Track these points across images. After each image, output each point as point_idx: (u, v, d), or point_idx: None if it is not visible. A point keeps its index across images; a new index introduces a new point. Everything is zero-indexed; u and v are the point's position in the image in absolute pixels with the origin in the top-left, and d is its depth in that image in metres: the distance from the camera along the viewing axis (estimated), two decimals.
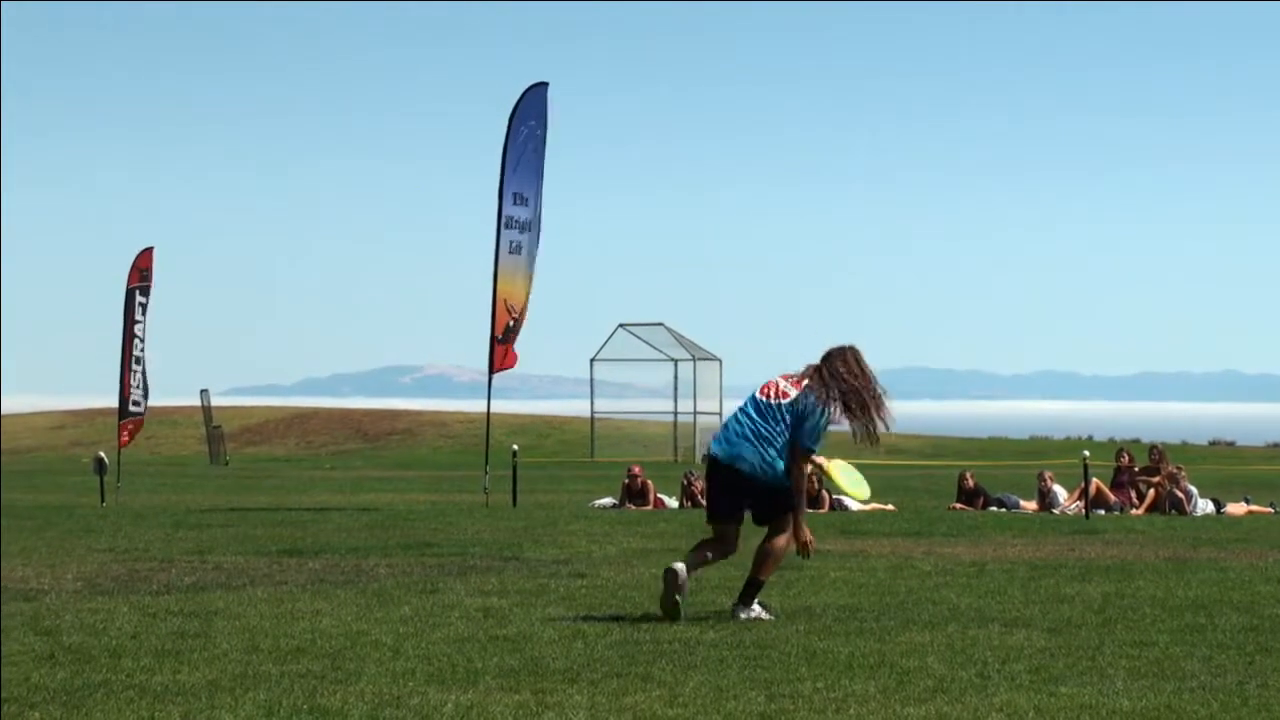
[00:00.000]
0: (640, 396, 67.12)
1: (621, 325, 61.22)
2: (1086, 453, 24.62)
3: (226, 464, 59.72)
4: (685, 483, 27.37)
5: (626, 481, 27.29)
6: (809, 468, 11.93)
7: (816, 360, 11.56)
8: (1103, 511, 24.73)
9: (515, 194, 25.78)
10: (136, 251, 30.76)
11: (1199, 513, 24.98)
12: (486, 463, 27.42)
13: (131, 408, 30.57)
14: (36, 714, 7.96)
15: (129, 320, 30.29)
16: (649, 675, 8.95)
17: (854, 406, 11.40)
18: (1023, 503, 26.19)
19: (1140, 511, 25.15)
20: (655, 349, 61.15)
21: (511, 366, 25.82)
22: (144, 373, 30.42)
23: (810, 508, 24.98)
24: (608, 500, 27.43)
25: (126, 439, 30.98)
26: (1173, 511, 25.06)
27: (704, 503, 26.74)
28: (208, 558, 16.35)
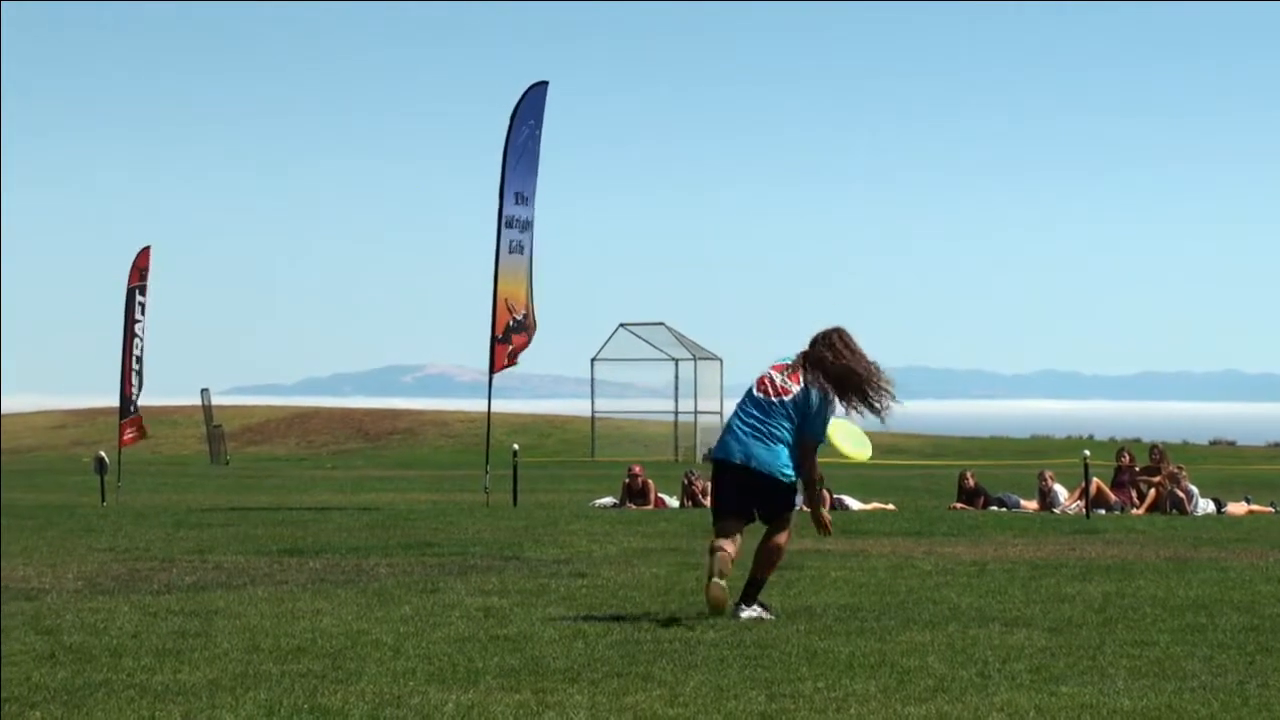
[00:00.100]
0: (641, 396, 67.15)
1: (622, 325, 61.25)
2: (1087, 452, 24.61)
3: (227, 463, 59.73)
4: (686, 482, 27.38)
5: (627, 481, 27.28)
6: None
7: (806, 346, 11.55)
8: (1103, 511, 24.73)
9: (517, 193, 25.79)
10: (136, 251, 30.77)
11: (1200, 512, 24.98)
12: (487, 462, 27.42)
13: (132, 407, 30.58)
14: (37, 713, 7.96)
15: (129, 319, 30.30)
16: (650, 675, 8.95)
17: (849, 390, 11.39)
18: (1023, 502, 26.19)
19: (1141, 511, 25.15)
20: (656, 348, 61.16)
21: (525, 346, 25.76)
22: (141, 371, 30.42)
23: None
24: (608, 500, 27.43)
25: (132, 437, 30.97)
26: (1173, 511, 25.06)
27: (705, 502, 26.78)
28: (208, 557, 16.35)
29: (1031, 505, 25.88)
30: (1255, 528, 21.87)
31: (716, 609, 11.09)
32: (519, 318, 25.65)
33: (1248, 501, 26.42)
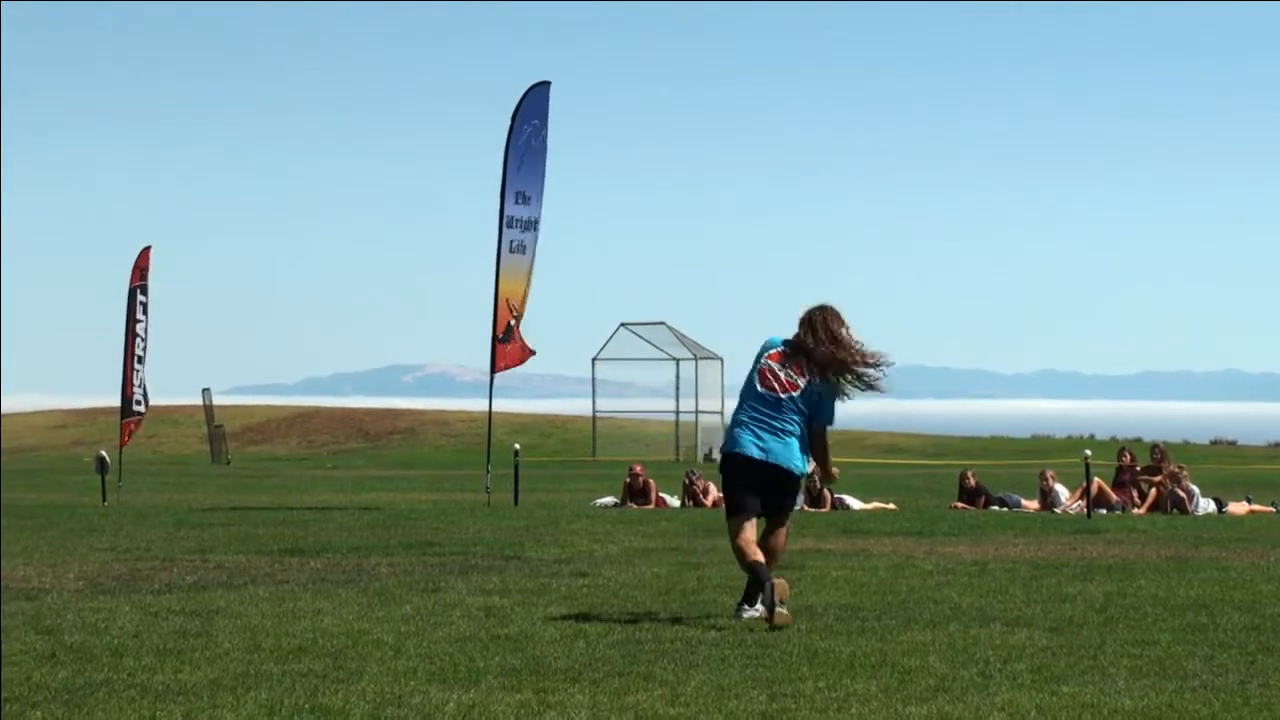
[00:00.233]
0: (642, 395, 67.15)
1: (623, 324, 61.24)
2: (1088, 452, 24.62)
3: (228, 463, 59.73)
4: (687, 482, 27.37)
5: (628, 480, 27.28)
6: None
7: (797, 326, 11.54)
8: (1104, 511, 24.73)
9: (518, 193, 25.77)
10: (137, 251, 30.75)
11: (1201, 512, 24.98)
12: (488, 462, 27.41)
13: (134, 407, 30.57)
14: (38, 713, 7.96)
15: (130, 319, 30.30)
16: (651, 674, 8.94)
17: (839, 376, 11.40)
18: (1024, 502, 26.19)
19: (1142, 511, 25.15)
20: (657, 348, 61.15)
21: (522, 362, 25.76)
22: (144, 372, 30.41)
23: (812, 506, 25.03)
24: (609, 499, 27.43)
25: (131, 434, 30.95)
26: (1174, 511, 25.06)
27: (706, 502, 26.73)
28: (209, 557, 16.35)
29: (1032, 505, 25.88)
30: (1256, 527, 21.87)
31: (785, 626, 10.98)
32: (519, 317, 25.64)
33: (1249, 501, 26.42)
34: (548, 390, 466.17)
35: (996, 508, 25.90)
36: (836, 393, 11.48)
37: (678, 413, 60.50)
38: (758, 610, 11.31)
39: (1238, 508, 25.57)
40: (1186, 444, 62.34)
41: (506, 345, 25.51)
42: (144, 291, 30.40)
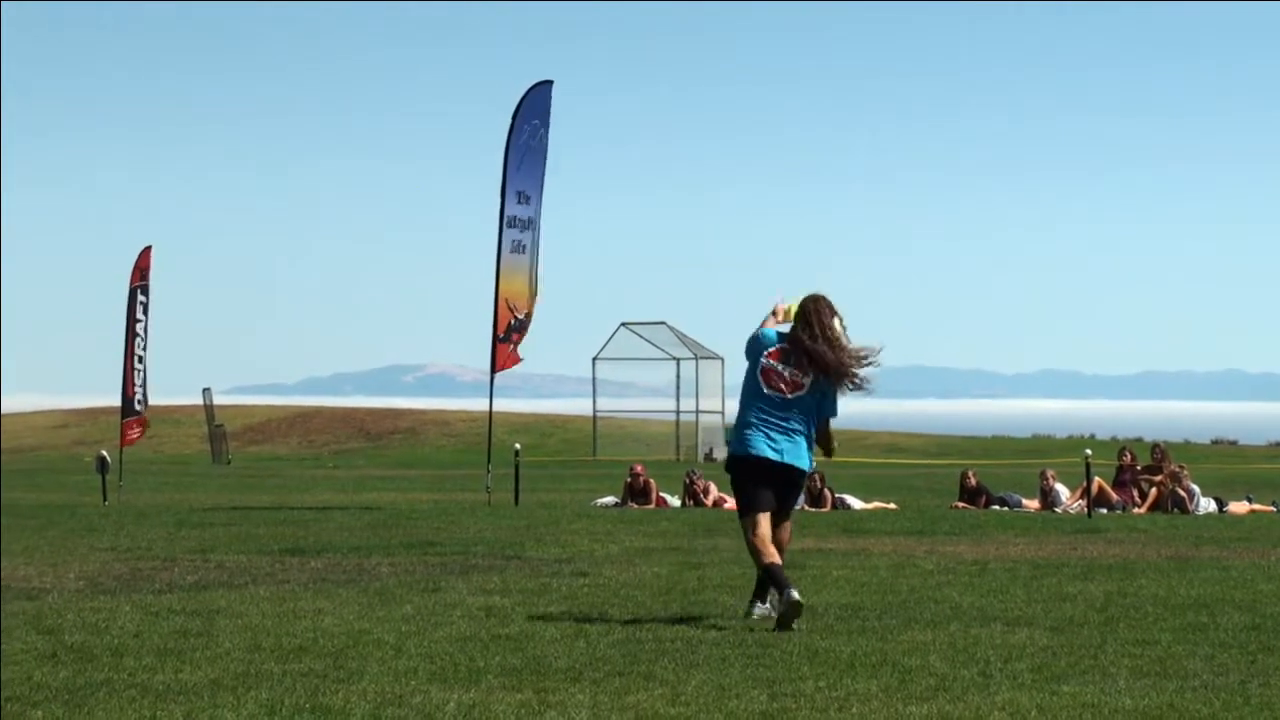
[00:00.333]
0: (642, 395, 67.13)
1: (624, 324, 61.22)
2: (1089, 451, 24.63)
3: (229, 463, 59.73)
4: (688, 481, 27.37)
5: (629, 480, 27.28)
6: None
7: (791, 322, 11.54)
8: (1105, 510, 24.73)
9: (519, 192, 25.77)
10: (138, 251, 30.76)
11: (1201, 511, 24.99)
12: (489, 462, 27.41)
13: (135, 406, 30.57)
14: (39, 713, 7.96)
15: (131, 319, 30.30)
16: (651, 674, 8.95)
17: (826, 373, 11.40)
18: (1025, 501, 26.19)
19: (1142, 510, 25.15)
20: (657, 348, 61.14)
21: (512, 366, 25.78)
22: (145, 371, 30.41)
23: (813, 506, 25.04)
24: (610, 499, 27.43)
25: (136, 435, 30.95)
26: (1175, 510, 25.06)
27: (706, 502, 26.71)
28: (210, 556, 16.35)
29: (1033, 504, 25.88)
30: (1257, 527, 21.88)
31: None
32: (520, 317, 25.64)
33: (1249, 501, 26.43)
34: (548, 390, 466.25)
35: (997, 507, 25.90)
36: (838, 387, 11.53)
37: (678, 412, 60.48)
38: (768, 608, 11.30)
39: (1238, 507, 25.57)
40: (1187, 443, 62.32)
41: (507, 345, 25.52)
42: (144, 291, 30.40)
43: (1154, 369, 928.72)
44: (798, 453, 11.38)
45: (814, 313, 11.44)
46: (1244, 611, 11.81)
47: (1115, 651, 9.83)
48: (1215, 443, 68.87)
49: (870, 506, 25.92)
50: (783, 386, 11.35)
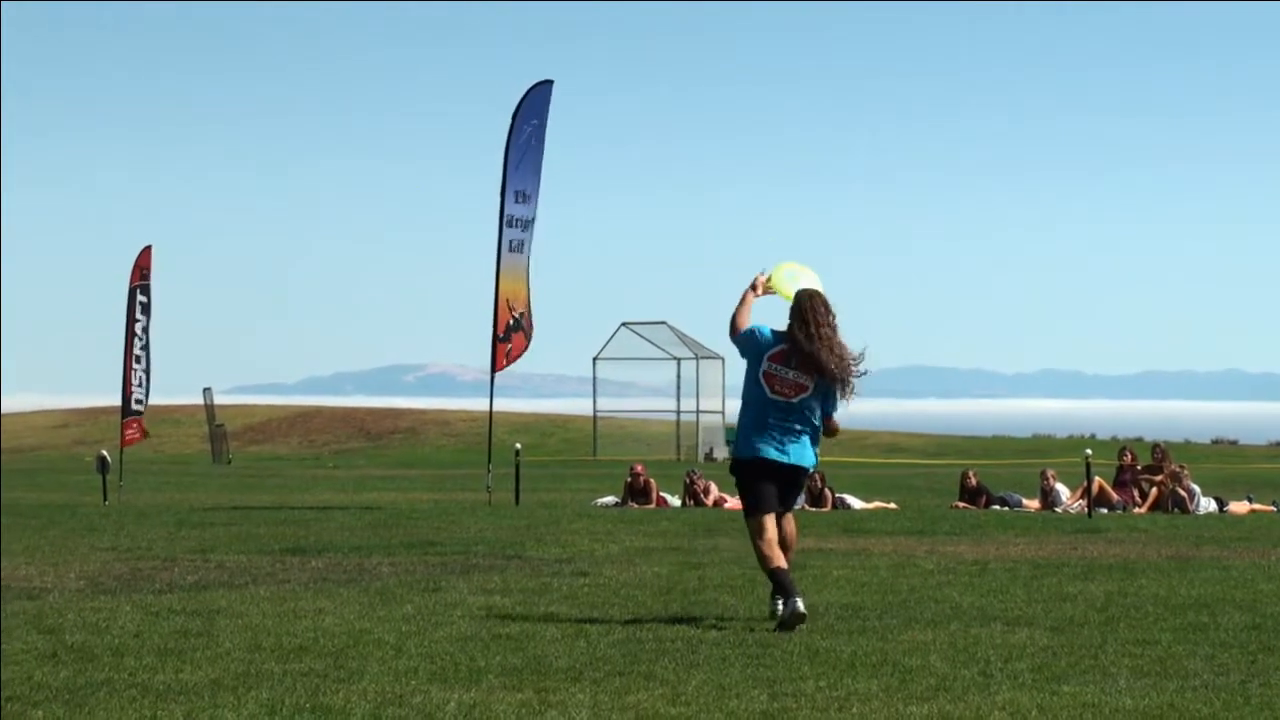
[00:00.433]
0: (643, 395, 67.17)
1: (624, 324, 61.24)
2: (1089, 451, 24.62)
3: (229, 463, 59.74)
4: (688, 481, 27.37)
5: (629, 480, 27.29)
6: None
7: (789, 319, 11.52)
8: (1105, 510, 24.73)
9: (518, 192, 25.77)
10: (137, 250, 30.76)
11: (1202, 511, 24.98)
12: (489, 461, 27.41)
13: (134, 405, 30.57)
14: (39, 712, 7.96)
15: (131, 319, 30.30)
16: (652, 674, 8.95)
17: (823, 377, 11.40)
18: (1025, 501, 26.19)
19: (1143, 510, 25.15)
20: (658, 347, 61.15)
21: (521, 353, 25.75)
22: (145, 371, 30.41)
23: (813, 506, 25.05)
24: (610, 499, 27.44)
25: (134, 436, 30.95)
26: (1175, 510, 25.06)
27: (707, 501, 26.68)
28: (210, 556, 16.36)
29: (1033, 504, 25.88)
30: (1257, 527, 21.88)
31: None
32: (516, 316, 25.63)
33: (1250, 500, 26.43)
34: (549, 390, 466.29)
35: (998, 507, 25.90)
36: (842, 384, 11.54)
37: (679, 412, 60.50)
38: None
39: (1239, 507, 25.57)
40: (1188, 443, 62.33)
41: (508, 344, 25.52)
42: (144, 291, 30.40)
43: (1154, 369, 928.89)
44: (802, 453, 11.39)
45: (809, 310, 11.42)
46: (1244, 611, 11.81)
47: (1116, 651, 9.83)
48: (1215, 442, 68.86)
49: (870, 506, 25.92)
50: (788, 391, 11.34)
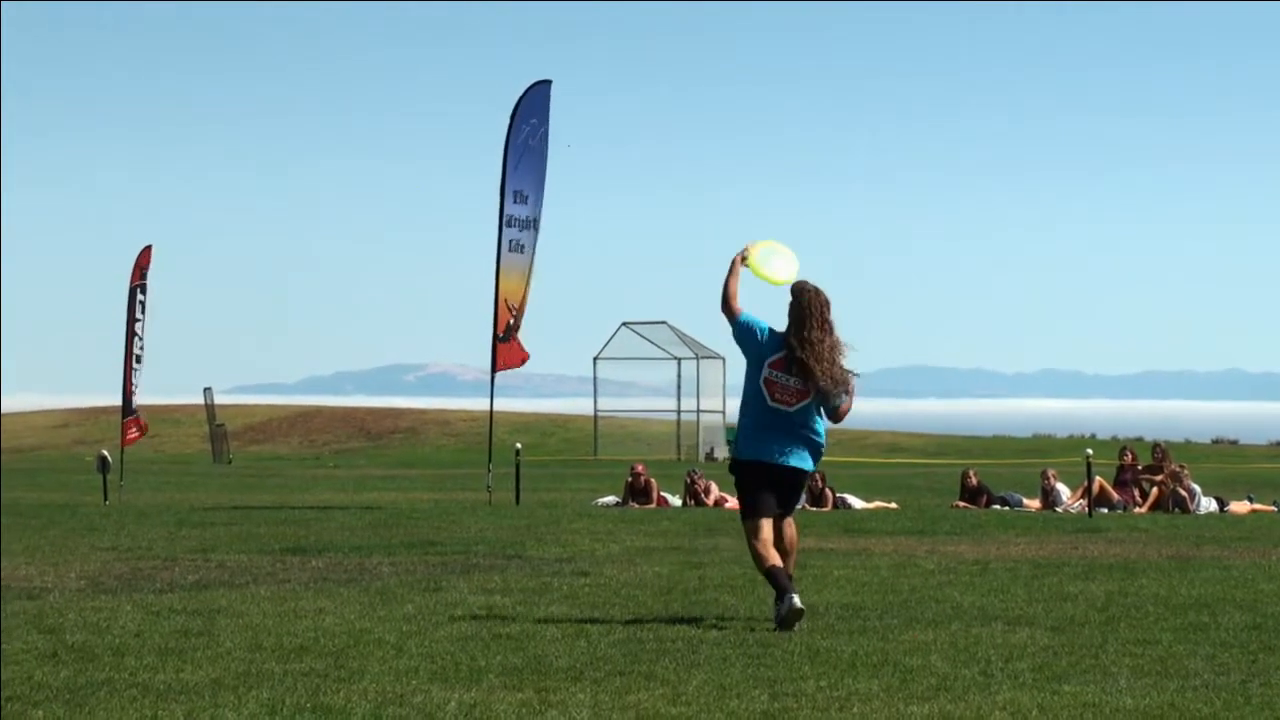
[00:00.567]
0: (643, 395, 67.19)
1: (625, 323, 61.22)
2: (1090, 451, 24.62)
3: (229, 462, 59.73)
4: (689, 481, 27.37)
5: (630, 480, 27.28)
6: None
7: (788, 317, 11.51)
8: (1106, 510, 24.73)
9: (516, 192, 25.76)
10: (137, 250, 30.75)
11: (1202, 511, 24.98)
12: (490, 461, 27.41)
13: (135, 405, 30.56)
14: (40, 712, 7.96)
15: (130, 318, 30.30)
16: (652, 673, 8.95)
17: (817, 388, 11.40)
18: (1026, 501, 26.18)
19: (1143, 510, 25.15)
20: (658, 347, 61.14)
21: (519, 364, 25.78)
22: (142, 371, 30.39)
23: (814, 506, 25.04)
24: (611, 499, 27.43)
25: (135, 435, 30.95)
26: (1176, 510, 25.05)
27: (707, 501, 26.68)
28: (211, 556, 16.36)
29: (1034, 504, 25.87)
30: (1258, 526, 21.87)
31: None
32: (514, 316, 25.62)
33: (1250, 500, 26.42)
34: (549, 389, 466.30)
35: (998, 507, 25.89)
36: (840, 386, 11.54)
37: (679, 412, 60.49)
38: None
39: (1239, 507, 25.57)
40: (1188, 443, 62.32)
41: (507, 345, 25.52)
42: (144, 291, 30.39)
43: (1155, 369, 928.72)
44: (803, 455, 11.40)
45: (807, 312, 11.41)
46: (1245, 611, 11.81)
47: (1116, 651, 9.83)
48: (1216, 442, 68.84)
49: (871, 506, 25.92)
50: (789, 399, 11.34)
